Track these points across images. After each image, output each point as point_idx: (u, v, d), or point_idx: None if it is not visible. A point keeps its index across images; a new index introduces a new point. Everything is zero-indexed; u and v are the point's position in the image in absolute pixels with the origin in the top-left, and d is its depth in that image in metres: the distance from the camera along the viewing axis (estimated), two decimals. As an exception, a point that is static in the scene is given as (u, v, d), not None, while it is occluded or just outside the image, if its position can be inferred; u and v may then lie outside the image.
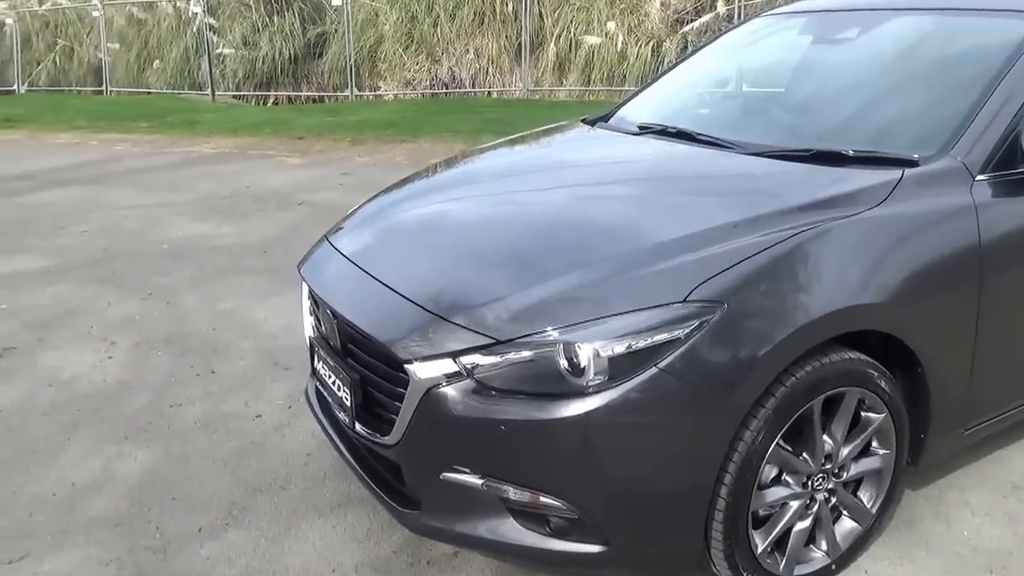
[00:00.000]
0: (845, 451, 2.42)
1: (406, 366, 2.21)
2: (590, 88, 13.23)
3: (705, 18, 12.67)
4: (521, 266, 2.34)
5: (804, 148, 2.68)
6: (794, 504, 2.37)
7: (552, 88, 13.52)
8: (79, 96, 17.56)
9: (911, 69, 2.89)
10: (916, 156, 2.49)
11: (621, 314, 2.07)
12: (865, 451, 2.49)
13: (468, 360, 2.14)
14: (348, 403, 2.50)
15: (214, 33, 15.62)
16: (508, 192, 2.95)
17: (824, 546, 2.47)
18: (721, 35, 3.95)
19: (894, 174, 2.42)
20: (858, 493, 2.54)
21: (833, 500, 2.46)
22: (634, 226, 2.42)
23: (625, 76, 12.90)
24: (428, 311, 2.26)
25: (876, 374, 2.34)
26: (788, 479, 2.34)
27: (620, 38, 12.91)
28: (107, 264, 5.93)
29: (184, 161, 10.05)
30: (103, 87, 17.38)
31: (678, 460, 2.10)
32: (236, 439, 3.50)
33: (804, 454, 2.33)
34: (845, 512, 2.50)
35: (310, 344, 2.82)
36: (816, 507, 2.42)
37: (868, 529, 2.57)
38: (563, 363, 2.05)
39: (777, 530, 2.34)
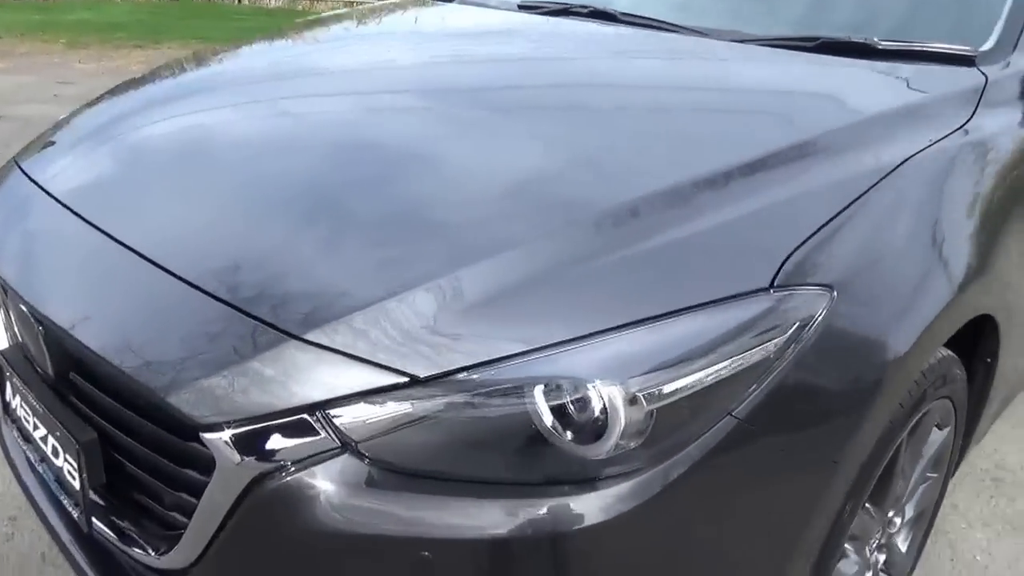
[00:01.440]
0: (908, 489, 1.60)
1: (207, 435, 1.06)
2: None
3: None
4: (431, 224, 1.24)
5: (805, 36, 1.75)
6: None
7: (316, -2, 11.90)
8: None
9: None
10: (972, 49, 1.65)
11: (659, 318, 1.05)
12: (913, 482, 1.69)
13: (345, 419, 1.03)
14: (75, 481, 1.28)
15: None
16: (357, 97, 1.77)
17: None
18: None
19: (973, 77, 1.58)
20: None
21: (882, 561, 1.65)
22: (625, 155, 1.38)
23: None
24: (250, 317, 1.10)
25: (960, 374, 1.52)
26: (849, 548, 1.48)
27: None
28: None
29: None
30: None
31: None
32: None
33: (869, 505, 1.47)
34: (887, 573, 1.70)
35: (-4, 362, 1.52)
36: (869, 577, 1.59)
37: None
38: (546, 420, 1.01)
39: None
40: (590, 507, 1.00)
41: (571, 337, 1.03)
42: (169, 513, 1.19)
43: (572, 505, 1.01)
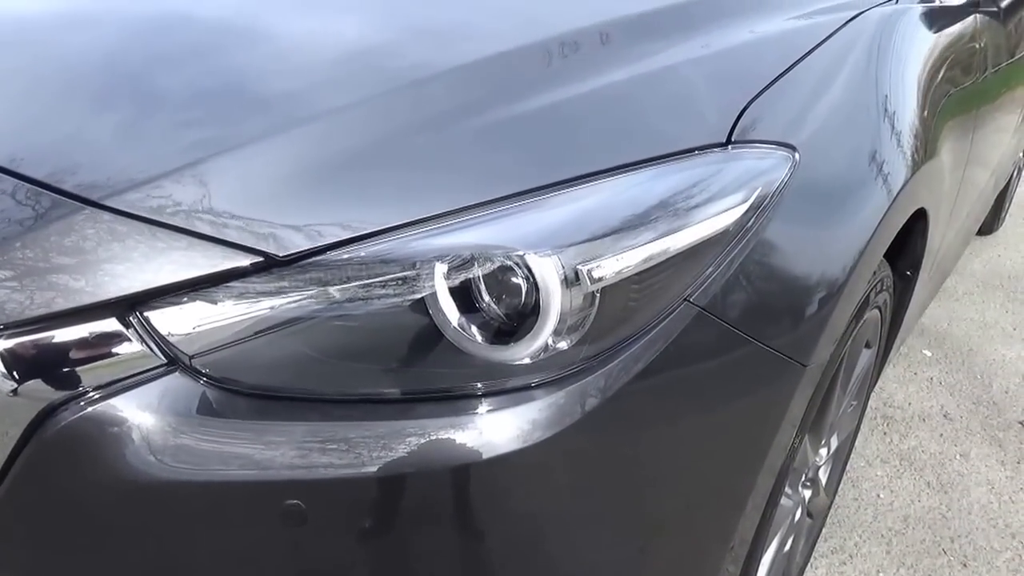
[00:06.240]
0: (836, 418, 1.45)
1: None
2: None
3: None
4: (257, 93, 0.94)
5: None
6: (784, 526, 1.35)
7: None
8: None
9: None
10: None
11: (593, 178, 0.81)
12: (833, 410, 1.54)
13: (173, 323, 0.74)
14: None
15: None
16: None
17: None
18: None
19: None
20: (812, 475, 1.61)
21: (807, 497, 1.49)
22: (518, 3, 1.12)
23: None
24: (29, 182, 0.79)
25: (889, 282, 1.38)
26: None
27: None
28: None
29: None
30: None
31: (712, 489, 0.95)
32: None
33: (805, 435, 1.30)
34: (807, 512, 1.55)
35: None
36: (797, 517, 1.43)
37: (821, 526, 1.66)
38: (450, 315, 0.75)
39: None
40: (511, 428, 0.75)
41: (477, 202, 0.77)
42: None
43: (488, 426, 0.75)
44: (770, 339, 0.88)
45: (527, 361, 0.76)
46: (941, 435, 2.25)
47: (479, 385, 0.76)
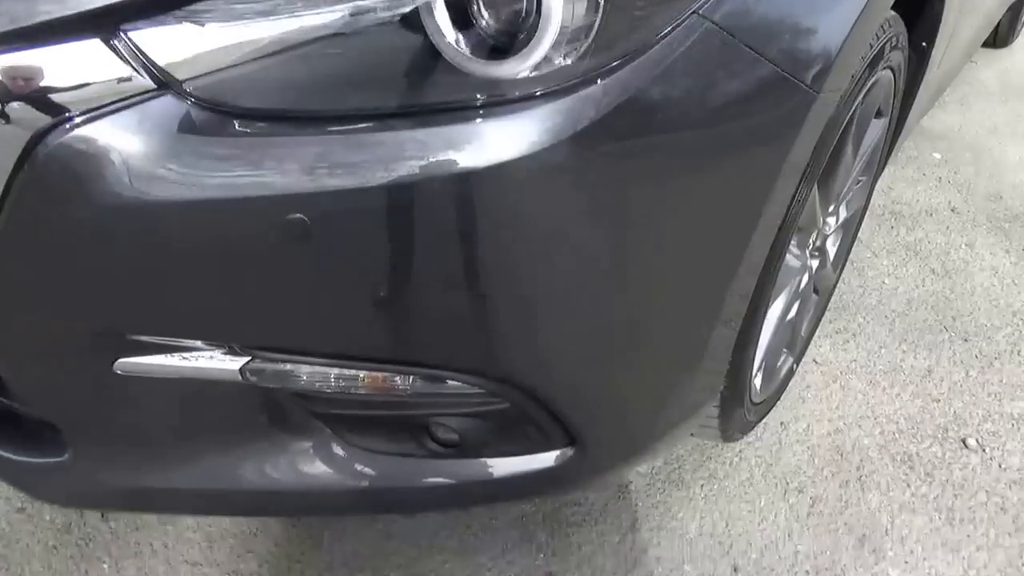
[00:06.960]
0: (846, 188, 1.44)
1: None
2: None
3: None
4: None
5: None
6: (790, 288, 1.37)
7: None
8: None
9: None
10: None
11: None
12: (842, 184, 1.52)
13: (160, 46, 0.71)
14: None
15: None
16: None
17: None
18: None
19: None
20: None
21: (815, 267, 1.50)
22: None
23: None
24: None
25: (904, 43, 1.33)
26: (793, 242, 1.31)
27: None
28: None
29: None
30: None
31: (724, 217, 0.93)
32: None
33: (813, 188, 1.28)
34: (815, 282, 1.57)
35: None
36: (803, 282, 1.44)
37: (827, 303, 1.68)
38: (446, 31, 0.72)
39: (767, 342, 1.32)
40: (510, 137, 0.73)
41: None
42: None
43: (486, 135, 0.73)
44: (780, 59, 0.84)
45: (527, 74, 0.73)
46: (947, 227, 2.25)
47: (478, 97, 0.73)
